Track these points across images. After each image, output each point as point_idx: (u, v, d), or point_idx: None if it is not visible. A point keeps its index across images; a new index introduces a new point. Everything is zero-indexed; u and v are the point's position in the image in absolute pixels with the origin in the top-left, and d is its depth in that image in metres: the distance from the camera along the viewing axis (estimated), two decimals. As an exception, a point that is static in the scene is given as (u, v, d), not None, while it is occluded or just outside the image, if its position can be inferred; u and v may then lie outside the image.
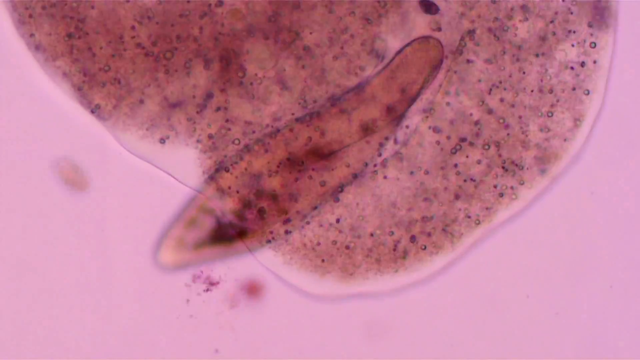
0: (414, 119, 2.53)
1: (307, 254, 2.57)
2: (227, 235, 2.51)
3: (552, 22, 2.51)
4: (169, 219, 2.53)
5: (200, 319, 2.58)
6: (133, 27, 2.46)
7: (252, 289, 2.57)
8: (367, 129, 2.47)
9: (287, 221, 2.53)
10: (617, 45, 2.55)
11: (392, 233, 2.56)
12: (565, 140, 2.55)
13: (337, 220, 2.56)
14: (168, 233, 2.52)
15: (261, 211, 2.50)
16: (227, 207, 2.51)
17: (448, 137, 2.54)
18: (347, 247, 2.56)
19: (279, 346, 2.61)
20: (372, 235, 2.56)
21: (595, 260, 2.62)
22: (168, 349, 2.59)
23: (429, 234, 2.57)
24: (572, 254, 2.62)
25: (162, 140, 2.51)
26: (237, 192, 2.51)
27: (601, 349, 2.63)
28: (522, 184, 2.56)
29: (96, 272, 2.55)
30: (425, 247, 2.57)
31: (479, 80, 2.53)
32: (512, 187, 2.56)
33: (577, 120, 2.55)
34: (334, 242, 2.56)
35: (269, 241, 2.54)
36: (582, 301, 2.63)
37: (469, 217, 2.57)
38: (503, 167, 2.55)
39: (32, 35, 2.46)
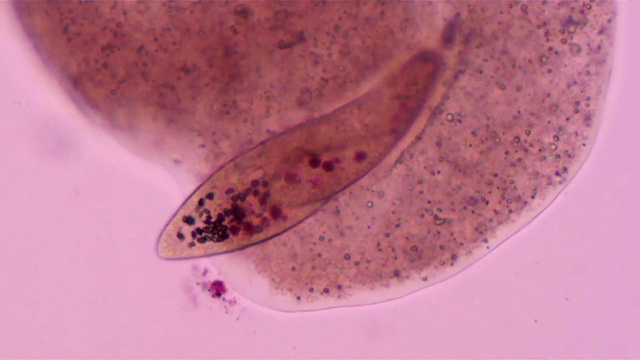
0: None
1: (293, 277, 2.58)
2: (225, 230, 2.52)
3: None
4: (169, 215, 2.55)
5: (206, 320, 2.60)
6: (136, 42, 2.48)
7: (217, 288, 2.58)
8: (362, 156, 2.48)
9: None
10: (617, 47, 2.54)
11: (393, 255, 2.56)
12: (583, 145, 2.54)
13: (321, 237, 2.56)
14: (167, 228, 2.53)
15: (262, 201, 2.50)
16: (224, 203, 2.52)
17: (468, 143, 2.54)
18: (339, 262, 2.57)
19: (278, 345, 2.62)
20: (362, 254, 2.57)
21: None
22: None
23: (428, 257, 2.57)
24: (576, 255, 2.62)
25: (162, 140, 2.52)
26: (237, 189, 2.51)
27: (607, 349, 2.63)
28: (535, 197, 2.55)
29: (101, 272, 2.57)
30: (426, 279, 2.57)
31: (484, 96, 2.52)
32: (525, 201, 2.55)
33: (589, 120, 2.53)
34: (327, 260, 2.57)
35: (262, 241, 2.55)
36: (589, 302, 2.62)
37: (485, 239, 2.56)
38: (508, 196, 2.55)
39: (29, 23, 2.48)
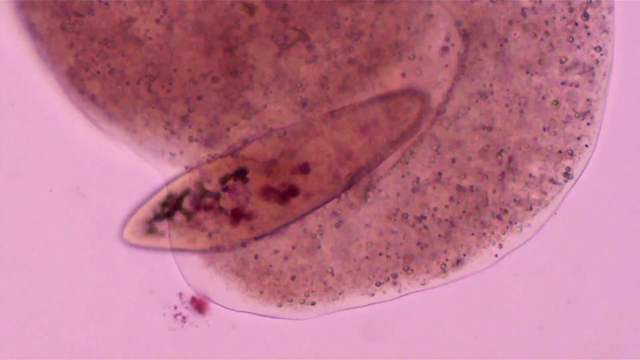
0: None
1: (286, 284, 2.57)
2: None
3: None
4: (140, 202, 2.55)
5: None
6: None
7: (200, 306, 2.57)
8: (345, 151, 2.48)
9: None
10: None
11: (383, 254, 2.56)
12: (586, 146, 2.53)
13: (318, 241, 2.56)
14: (136, 214, 2.53)
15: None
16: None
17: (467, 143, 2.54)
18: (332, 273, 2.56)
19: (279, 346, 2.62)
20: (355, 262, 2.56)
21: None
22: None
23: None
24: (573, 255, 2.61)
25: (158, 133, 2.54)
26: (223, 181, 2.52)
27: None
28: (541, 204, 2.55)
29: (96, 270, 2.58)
30: (424, 283, 2.55)
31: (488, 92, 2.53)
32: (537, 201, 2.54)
33: (591, 120, 2.52)
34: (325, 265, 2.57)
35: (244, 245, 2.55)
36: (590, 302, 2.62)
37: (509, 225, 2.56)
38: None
39: (29, 17, 2.49)
